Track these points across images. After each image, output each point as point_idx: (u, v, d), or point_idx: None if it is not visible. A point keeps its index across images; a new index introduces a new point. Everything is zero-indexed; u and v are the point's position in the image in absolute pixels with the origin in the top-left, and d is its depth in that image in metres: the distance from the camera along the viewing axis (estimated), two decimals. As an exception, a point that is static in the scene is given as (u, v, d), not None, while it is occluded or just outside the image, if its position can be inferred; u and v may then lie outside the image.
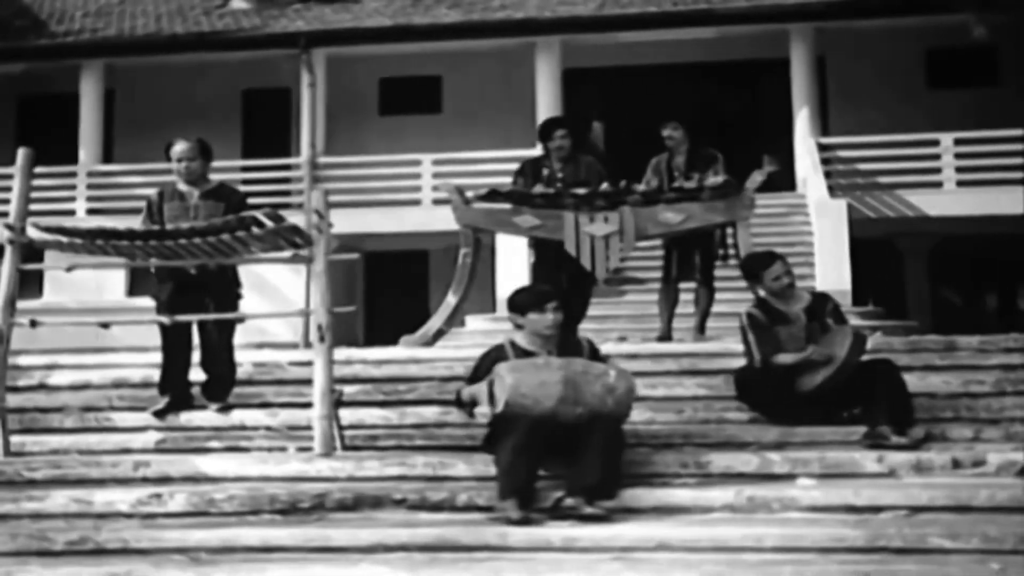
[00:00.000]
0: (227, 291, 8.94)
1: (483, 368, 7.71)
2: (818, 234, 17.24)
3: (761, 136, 20.46)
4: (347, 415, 8.59)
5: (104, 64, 21.36)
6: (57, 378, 9.77)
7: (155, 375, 9.75)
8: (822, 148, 19.43)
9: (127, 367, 10.14)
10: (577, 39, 20.47)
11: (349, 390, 9.20)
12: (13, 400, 9.38)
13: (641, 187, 10.58)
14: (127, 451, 8.40)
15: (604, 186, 10.52)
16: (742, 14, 19.98)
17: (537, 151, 19.78)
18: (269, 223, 8.03)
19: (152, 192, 9.31)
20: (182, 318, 8.53)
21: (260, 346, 16.21)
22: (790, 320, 8.43)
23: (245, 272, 17.84)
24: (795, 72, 20.20)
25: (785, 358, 8.23)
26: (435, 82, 22.62)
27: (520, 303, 7.71)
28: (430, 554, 6.44)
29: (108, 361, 10.39)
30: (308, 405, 8.89)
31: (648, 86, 21.09)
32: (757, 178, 10.58)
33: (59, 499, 7.28)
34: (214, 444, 8.40)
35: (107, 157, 22.07)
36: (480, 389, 7.47)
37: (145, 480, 7.70)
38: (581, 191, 10.46)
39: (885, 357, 8.35)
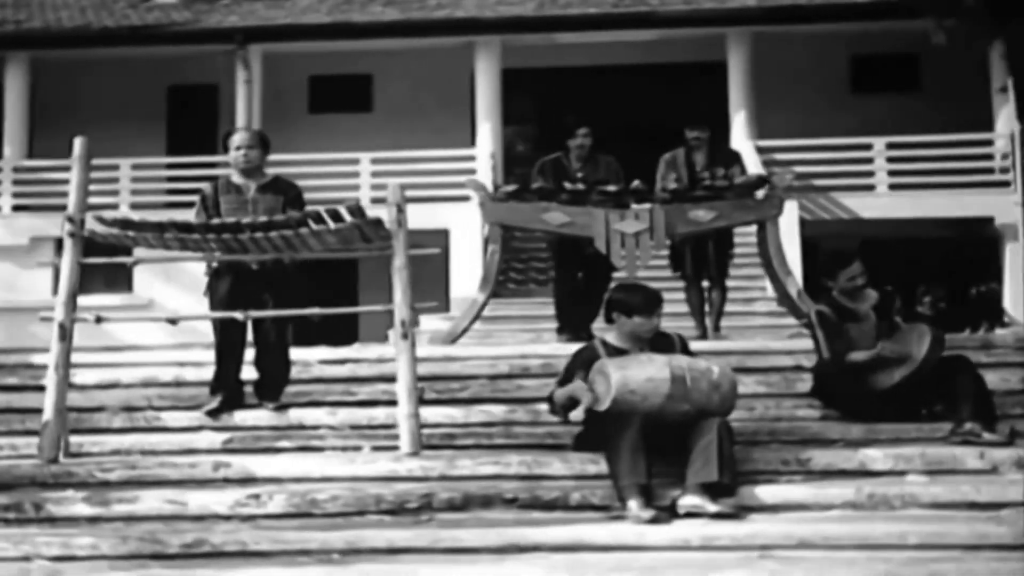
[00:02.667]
0: (289, 287, 8.67)
1: (576, 367, 7.62)
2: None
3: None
4: (409, 413, 8.42)
5: (29, 57, 20.72)
6: (83, 377, 9.40)
7: (185, 374, 9.55)
8: (759, 151, 19.57)
9: (152, 365, 9.83)
10: (517, 39, 20.36)
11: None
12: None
13: (672, 184, 10.54)
14: (192, 451, 8.14)
15: (636, 183, 10.48)
16: (681, 17, 20.05)
17: (474, 150, 19.95)
18: (349, 217, 7.84)
19: (206, 186, 9.03)
20: (256, 314, 8.24)
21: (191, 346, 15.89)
22: (860, 318, 8.44)
23: (180, 271, 17.37)
24: (732, 75, 20.33)
25: (858, 356, 8.22)
26: (366, 80, 22.34)
27: (629, 305, 7.60)
28: (568, 554, 6.33)
29: (130, 360, 10.07)
30: (364, 403, 8.85)
31: (587, 87, 21.06)
32: (787, 177, 10.64)
33: (151, 501, 7.05)
34: (284, 444, 8.16)
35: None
36: (580, 387, 7.35)
37: (227, 481, 7.49)
38: (612, 188, 10.42)
39: (960, 354, 8.40)
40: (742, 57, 20.44)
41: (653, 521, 6.55)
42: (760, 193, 11.04)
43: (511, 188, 10.59)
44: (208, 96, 22.17)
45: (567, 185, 10.57)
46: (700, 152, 11.18)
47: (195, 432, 8.55)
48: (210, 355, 9.83)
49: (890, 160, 19.78)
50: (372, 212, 19.00)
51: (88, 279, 19.36)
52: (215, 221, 8.00)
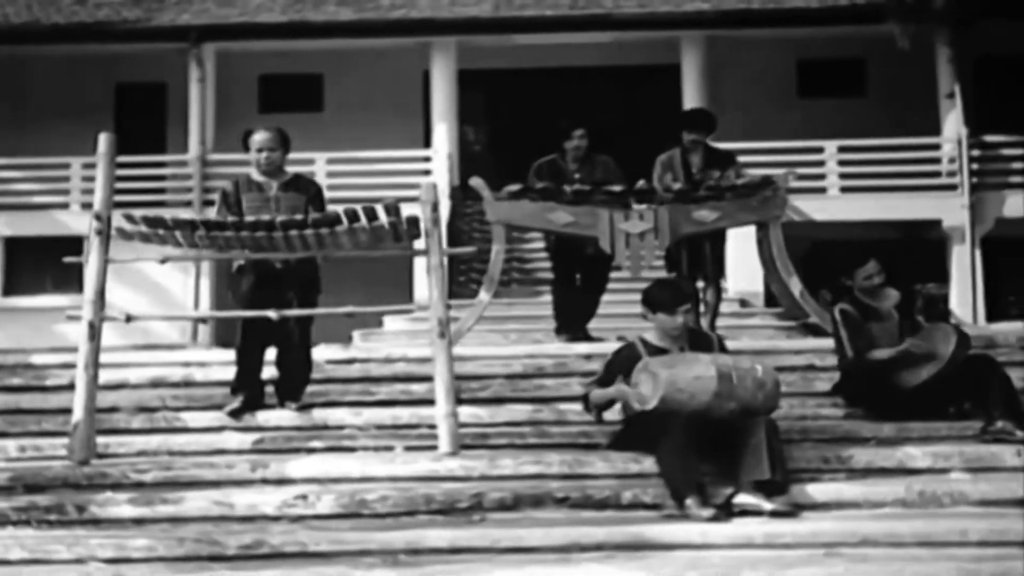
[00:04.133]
0: (311, 285, 8.58)
1: (617, 367, 7.62)
2: (731, 237, 17.37)
3: (652, 140, 20.53)
4: (434, 412, 8.35)
5: (-22, 53, 20.40)
6: (87, 377, 9.22)
7: (194, 374, 9.46)
8: (714, 153, 19.65)
9: (158, 366, 9.74)
10: (472, 40, 20.32)
11: (417, 389, 9.01)
12: (57, 400, 8.98)
13: (677, 185, 10.56)
14: (222, 452, 8.05)
15: (641, 183, 10.50)
16: (636, 20, 20.08)
17: (431, 151, 19.89)
18: (383, 216, 7.78)
19: (226, 183, 8.88)
20: (291, 313, 8.13)
21: (147, 347, 15.73)
22: (882, 317, 8.51)
23: (132, 271, 17.10)
24: (686, 78, 20.43)
25: (882, 353, 8.29)
26: (316, 80, 22.16)
27: (653, 301, 7.62)
28: (632, 553, 6.34)
29: (135, 360, 9.90)
30: (385, 403, 8.83)
31: (542, 88, 21.08)
32: (790, 178, 10.70)
33: (197, 502, 6.96)
34: (316, 444, 8.07)
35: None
36: (627, 392, 7.36)
37: (266, 482, 7.39)
38: (616, 188, 10.43)
39: (985, 353, 8.50)
40: (696, 60, 20.55)
41: (713, 519, 6.56)
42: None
43: (515, 188, 10.52)
44: (156, 94, 21.89)
45: (578, 185, 10.55)
46: (696, 154, 11.19)
47: (218, 433, 8.45)
48: (213, 355, 9.77)
49: (841, 163, 19.96)
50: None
51: (39, 279, 19.18)
52: (249, 219, 7.87)
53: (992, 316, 19.46)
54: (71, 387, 9.00)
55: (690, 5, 20.27)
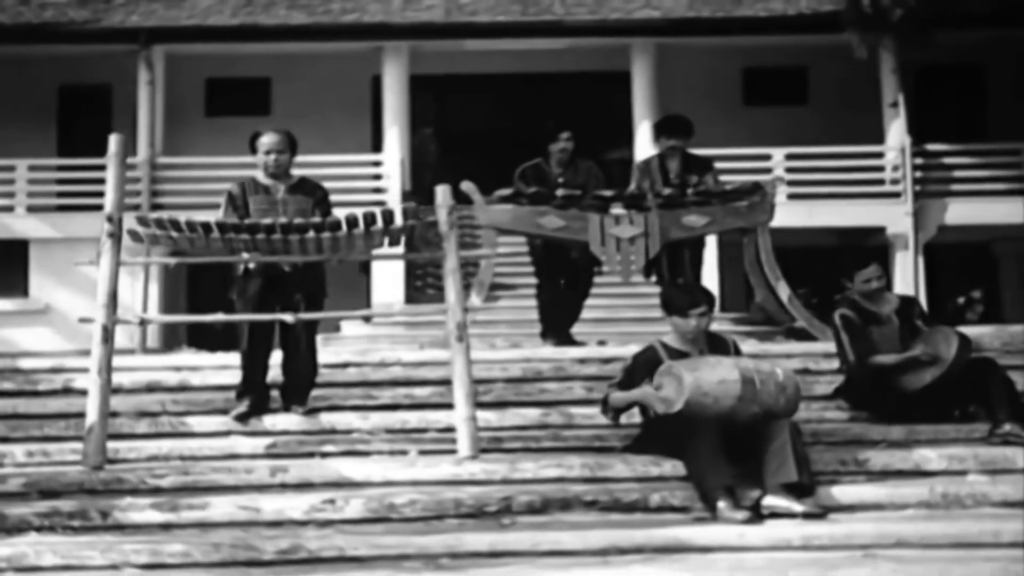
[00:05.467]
0: (319, 288, 8.52)
1: (638, 370, 7.65)
2: (685, 244, 17.48)
3: (604, 146, 20.63)
4: (441, 417, 8.38)
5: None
6: (81, 382, 9.06)
7: (190, 378, 9.37)
8: (664, 161, 19.75)
9: (149, 370, 9.62)
10: (425, 45, 20.32)
11: (419, 393, 8.98)
12: (54, 405, 8.90)
13: (667, 190, 10.61)
14: (235, 456, 7.96)
15: (631, 188, 10.55)
16: (588, 27, 20.19)
17: (383, 155, 19.85)
18: (399, 219, 7.78)
19: (232, 185, 8.78)
20: (307, 316, 8.07)
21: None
22: (882, 321, 8.60)
23: (77, 274, 16.87)
24: (636, 85, 20.56)
25: (887, 358, 8.38)
26: (264, 84, 22.00)
27: (668, 304, 7.69)
28: (672, 555, 6.36)
29: (124, 364, 9.71)
30: (389, 407, 8.80)
31: (494, 94, 21.15)
32: (778, 184, 10.78)
33: (223, 507, 6.89)
34: (330, 448, 8.01)
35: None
36: (650, 395, 7.39)
37: (286, 486, 7.32)
38: (608, 193, 10.47)
39: (986, 356, 8.63)
40: (645, 67, 20.70)
41: (747, 522, 6.60)
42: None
43: (505, 192, 10.53)
44: (101, 96, 21.61)
45: (568, 191, 10.56)
46: (674, 160, 11.22)
47: (226, 437, 8.32)
48: (204, 359, 9.71)
49: (788, 171, 20.13)
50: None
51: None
52: (266, 221, 7.79)
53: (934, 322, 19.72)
54: (65, 391, 9.06)
55: (640, 13, 20.43)
